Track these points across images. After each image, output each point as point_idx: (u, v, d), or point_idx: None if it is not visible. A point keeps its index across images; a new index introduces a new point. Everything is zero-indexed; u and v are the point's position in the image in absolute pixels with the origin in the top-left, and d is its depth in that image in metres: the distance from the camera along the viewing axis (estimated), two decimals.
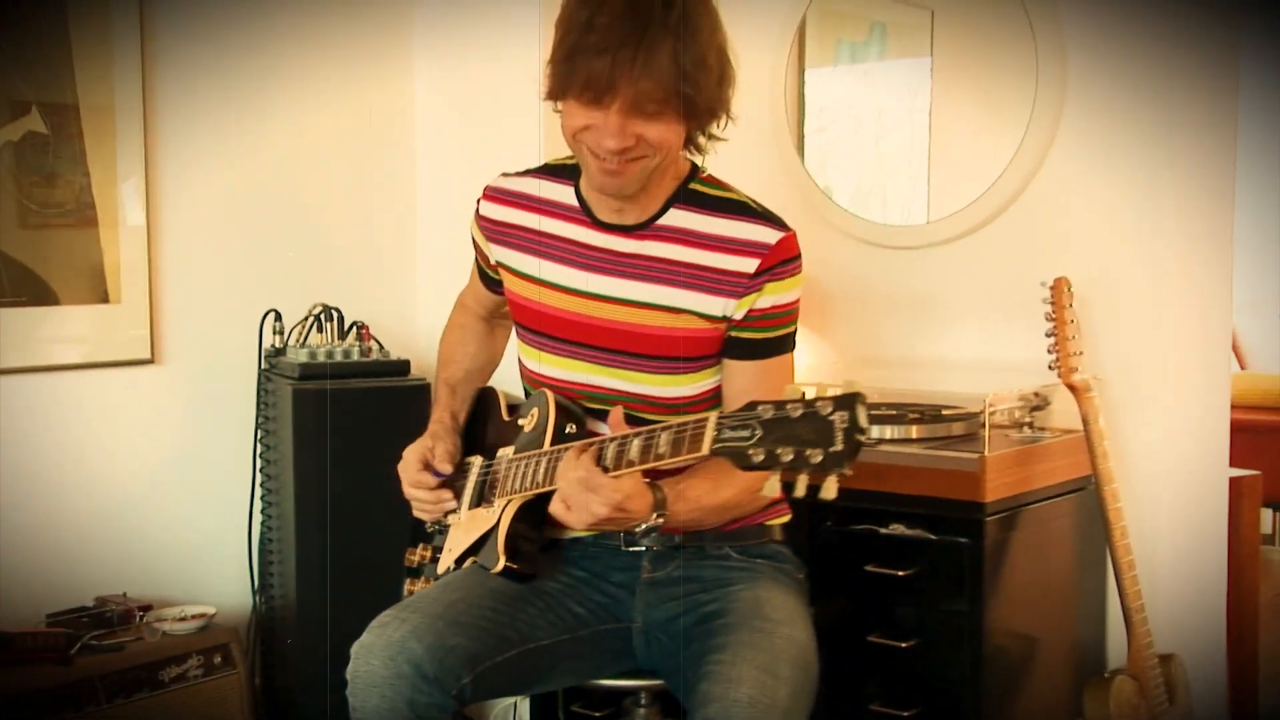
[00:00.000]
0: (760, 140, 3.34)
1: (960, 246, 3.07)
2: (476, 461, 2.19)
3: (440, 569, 2.17)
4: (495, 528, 2.05)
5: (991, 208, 3.00)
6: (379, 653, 1.91)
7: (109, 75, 2.94)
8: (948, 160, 3.19)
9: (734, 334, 2.03)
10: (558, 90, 1.89)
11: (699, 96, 1.86)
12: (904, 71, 3.29)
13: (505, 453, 2.12)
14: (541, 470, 1.98)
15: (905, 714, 2.54)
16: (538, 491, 1.99)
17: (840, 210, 3.24)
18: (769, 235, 2.01)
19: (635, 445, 1.80)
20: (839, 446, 1.55)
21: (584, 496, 1.81)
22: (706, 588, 2.07)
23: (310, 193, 3.35)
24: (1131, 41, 2.82)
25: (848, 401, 1.56)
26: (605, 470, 1.82)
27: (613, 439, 1.84)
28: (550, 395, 2.08)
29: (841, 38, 3.35)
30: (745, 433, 1.62)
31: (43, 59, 2.85)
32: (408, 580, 2.27)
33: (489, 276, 2.27)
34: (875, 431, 2.70)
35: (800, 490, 1.58)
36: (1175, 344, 2.86)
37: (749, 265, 1.99)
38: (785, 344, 2.07)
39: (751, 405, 1.63)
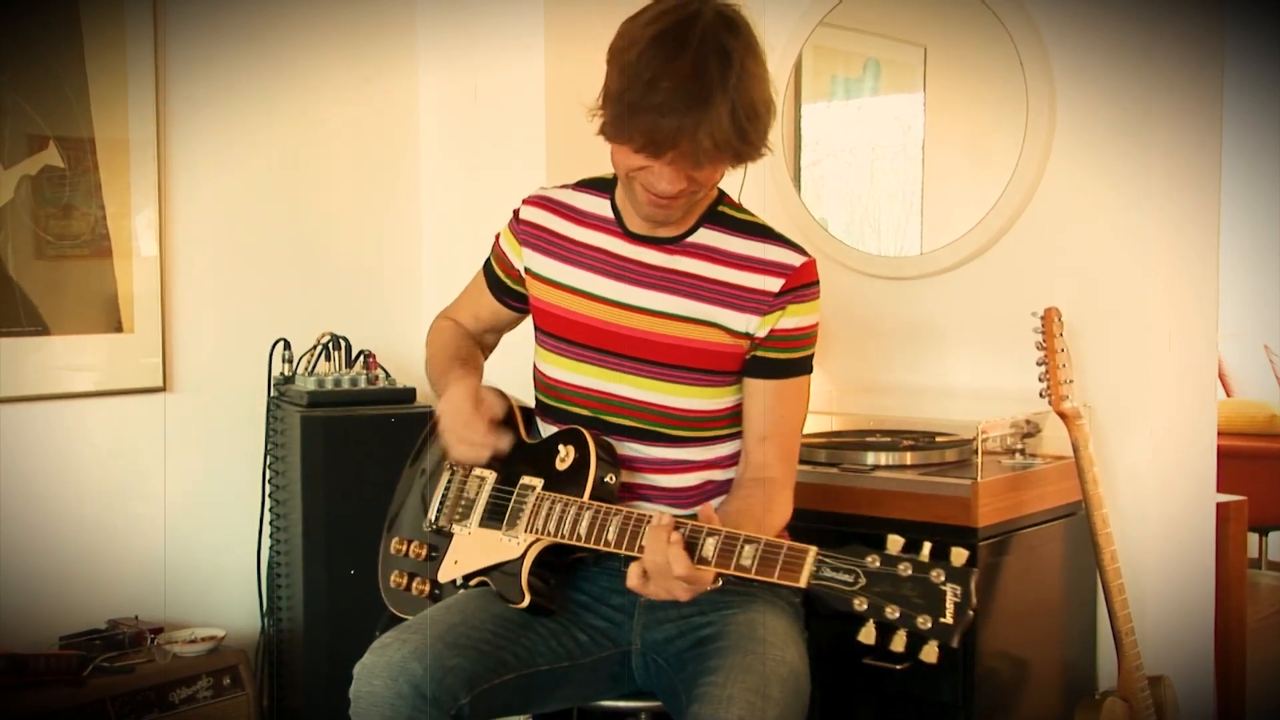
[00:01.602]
0: (758, 172, 3.35)
1: (953, 277, 3.08)
2: (489, 476, 2.18)
3: (443, 577, 2.14)
4: (520, 562, 2.04)
5: (983, 239, 3.01)
6: (380, 673, 1.92)
7: (124, 111, 2.96)
8: (940, 193, 3.21)
9: (757, 353, 2.07)
10: (615, 135, 1.92)
11: (751, 148, 1.91)
12: (897, 106, 3.32)
13: (533, 484, 2.09)
14: (584, 525, 1.96)
15: None
16: (575, 545, 1.99)
17: (835, 241, 3.25)
18: (793, 258, 2.06)
19: (722, 546, 1.80)
20: (949, 620, 1.56)
21: (670, 581, 1.81)
22: (703, 611, 2.08)
23: (318, 225, 3.36)
24: (1117, 78, 2.84)
25: (962, 575, 1.57)
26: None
27: (709, 533, 1.82)
28: (589, 439, 2.07)
29: (836, 73, 3.37)
30: (848, 577, 1.64)
31: (60, 95, 2.87)
32: (394, 572, 2.22)
33: (506, 286, 2.26)
34: (871, 458, 2.70)
35: (899, 646, 1.60)
36: (1163, 372, 2.87)
37: (774, 284, 2.04)
38: (804, 365, 2.10)
39: (858, 551, 1.65)
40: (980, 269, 3.04)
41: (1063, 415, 2.61)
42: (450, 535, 2.18)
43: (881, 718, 2.58)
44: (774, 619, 2.04)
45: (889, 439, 2.85)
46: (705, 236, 2.08)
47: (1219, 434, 3.10)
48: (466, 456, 2.11)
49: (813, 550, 1.71)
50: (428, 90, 3.51)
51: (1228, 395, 6.04)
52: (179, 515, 3.12)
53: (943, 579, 1.58)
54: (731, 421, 2.13)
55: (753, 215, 2.12)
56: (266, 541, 3.16)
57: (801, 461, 2.73)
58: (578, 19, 3.20)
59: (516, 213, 2.22)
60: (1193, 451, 3.01)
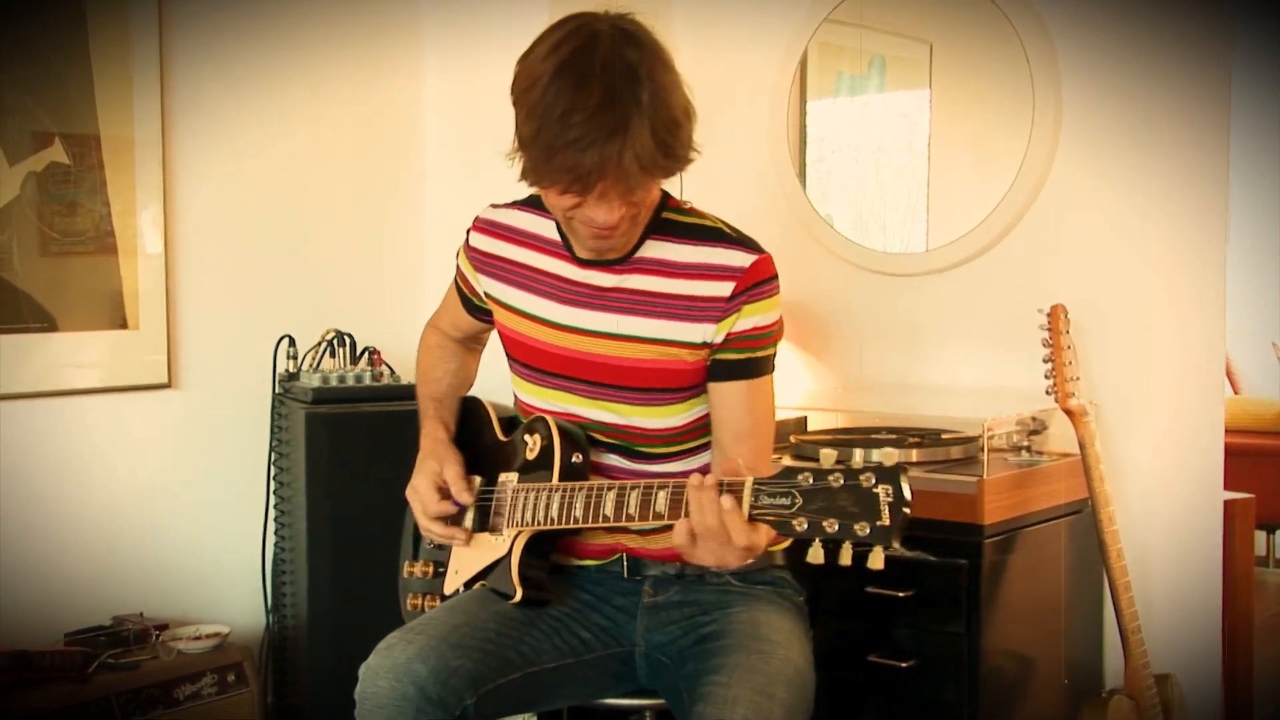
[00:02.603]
0: (763, 170, 3.35)
1: (959, 274, 3.07)
2: (475, 482, 2.17)
3: (448, 589, 2.16)
4: (507, 558, 2.04)
5: (989, 236, 3.00)
6: (385, 674, 1.91)
7: (129, 108, 2.96)
8: (946, 190, 3.19)
9: (717, 356, 2.00)
10: (538, 180, 1.85)
11: (676, 161, 1.84)
12: (903, 103, 3.30)
13: (509, 479, 2.09)
14: (556, 506, 1.95)
15: None
16: (552, 529, 1.98)
17: (841, 238, 3.24)
18: (742, 259, 1.97)
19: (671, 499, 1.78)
20: (885, 521, 1.54)
21: (724, 548, 1.74)
22: (706, 610, 2.06)
23: (322, 222, 3.35)
24: (1124, 74, 2.82)
25: (891, 474, 1.55)
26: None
27: (732, 485, 1.75)
28: (552, 423, 2.05)
29: (842, 70, 3.36)
30: (785, 500, 1.61)
31: (65, 92, 2.86)
32: (409, 595, 2.25)
33: (474, 305, 2.24)
34: (876, 455, 2.68)
35: (845, 559, 1.57)
36: (1169, 369, 2.86)
37: (724, 289, 1.96)
38: (767, 365, 2.03)
39: (789, 471, 1.62)
40: (986, 266, 3.03)
41: (1069, 412, 2.60)
42: (449, 548, 2.20)
43: (886, 716, 2.57)
44: (778, 618, 2.02)
45: (895, 436, 2.84)
46: (652, 249, 2.00)
47: (1226, 431, 3.09)
48: (440, 540, 2.16)
49: (749, 479, 1.67)
50: (432, 87, 3.50)
51: (1234, 392, 6.03)
52: (183, 512, 3.11)
53: (873, 481, 1.55)
54: (705, 432, 2.09)
55: (699, 215, 2.04)
56: (271, 538, 3.16)
57: (805, 458, 2.73)
58: (582, 7, 3.19)
59: (468, 239, 2.18)
60: (1199, 449, 2.99)
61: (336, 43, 3.35)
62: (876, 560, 1.55)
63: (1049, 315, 2.63)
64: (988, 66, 3.06)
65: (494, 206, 2.18)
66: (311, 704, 2.90)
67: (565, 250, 2.05)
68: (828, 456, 1.61)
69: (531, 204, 2.12)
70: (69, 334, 2.90)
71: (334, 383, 2.94)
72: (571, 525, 1.94)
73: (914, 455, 2.68)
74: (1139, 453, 2.83)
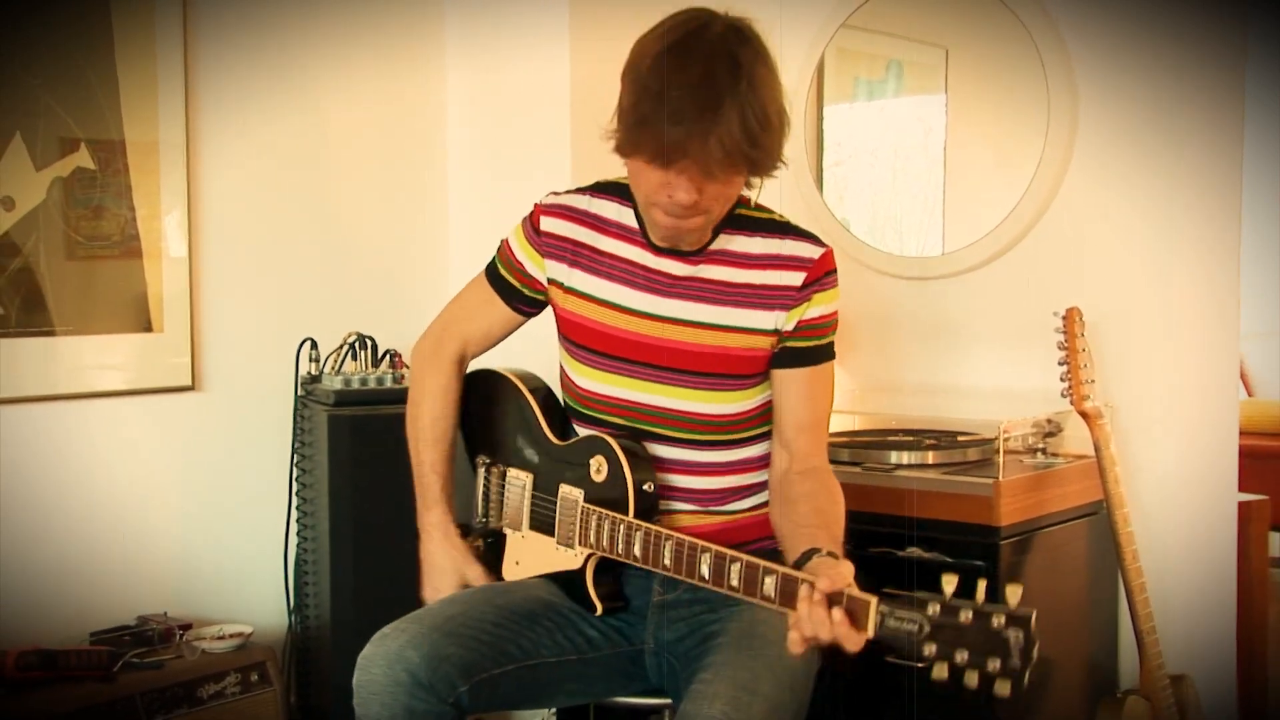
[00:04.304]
0: (780, 173, 3.33)
1: (975, 277, 3.06)
2: (525, 479, 2.19)
3: (507, 576, 2.22)
4: (582, 573, 2.08)
5: (1005, 240, 2.99)
6: (378, 662, 1.94)
7: (154, 114, 2.96)
8: (962, 193, 3.18)
9: (787, 344, 2.07)
10: (628, 149, 1.90)
11: (764, 157, 1.88)
12: (919, 107, 3.29)
13: (572, 494, 2.09)
14: (637, 547, 1.97)
15: None
16: (634, 564, 2.01)
17: (858, 241, 3.23)
18: (811, 250, 2.06)
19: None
20: (1016, 663, 1.58)
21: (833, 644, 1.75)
22: (713, 608, 2.07)
23: (345, 226, 3.35)
24: (1139, 78, 2.82)
25: (1022, 620, 1.59)
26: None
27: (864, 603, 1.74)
28: (618, 450, 2.05)
29: (859, 75, 3.35)
30: (912, 626, 1.65)
31: (92, 98, 2.87)
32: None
33: (523, 295, 2.21)
34: (893, 457, 2.68)
35: (971, 683, 1.62)
36: (1184, 372, 2.84)
37: (796, 279, 2.04)
38: (830, 351, 2.11)
39: (918, 602, 1.65)
40: (1002, 269, 3.02)
41: (1084, 415, 2.59)
42: (502, 534, 2.23)
43: (904, 717, 2.55)
44: (777, 618, 2.01)
45: (911, 438, 2.83)
46: (724, 242, 2.06)
47: (1241, 434, 3.06)
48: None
49: (872, 601, 1.68)
50: (456, 91, 3.50)
51: (1248, 395, 6.00)
52: (207, 513, 3.11)
53: (1003, 624, 1.59)
54: (761, 421, 2.13)
55: (768, 211, 2.11)
56: (294, 539, 3.16)
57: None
58: (603, 19, 3.19)
59: (535, 223, 2.17)
60: (1214, 451, 2.97)
61: (359, 47, 3.35)
62: (1004, 689, 1.60)
63: (1064, 318, 2.62)
64: (1003, 71, 3.06)
65: (559, 193, 2.19)
66: (333, 702, 2.89)
67: (642, 238, 2.09)
68: (949, 582, 1.65)
69: (604, 190, 2.15)
70: (95, 337, 2.90)
71: (356, 385, 2.94)
72: (660, 570, 1.94)
73: (930, 457, 2.67)
74: (1154, 455, 2.82)
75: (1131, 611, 2.58)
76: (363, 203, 3.39)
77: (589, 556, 2.07)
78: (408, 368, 3.05)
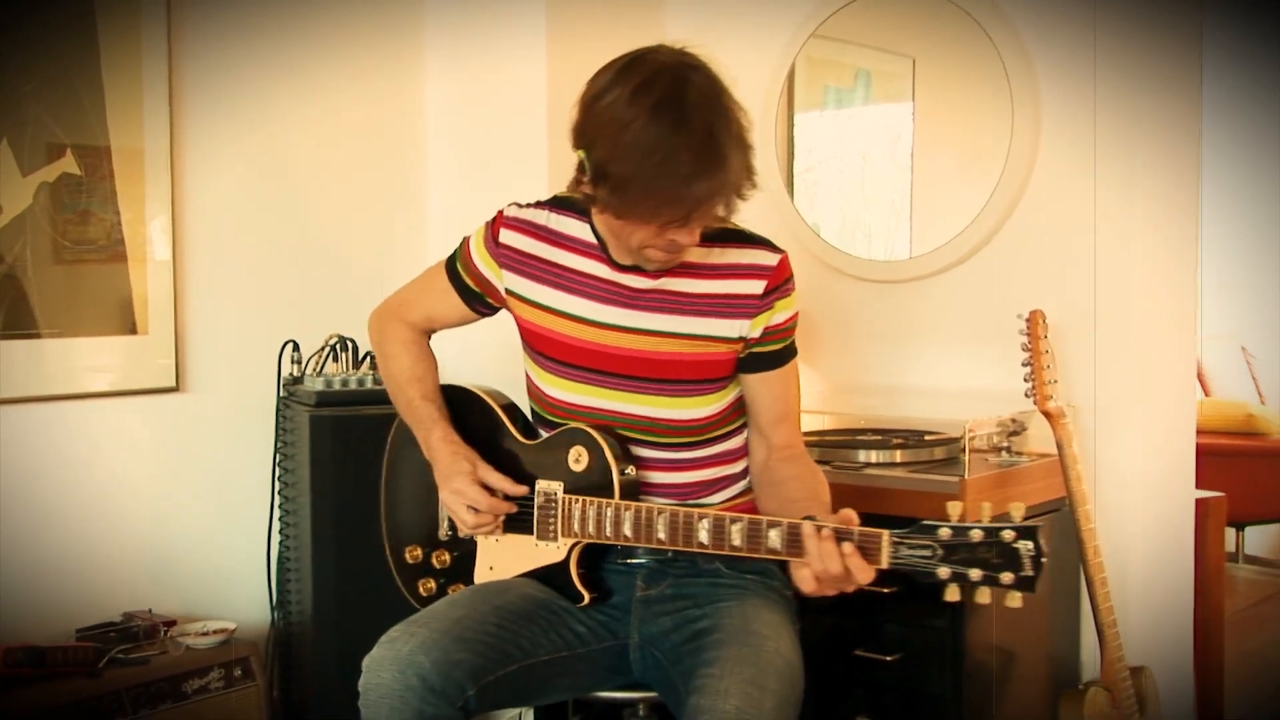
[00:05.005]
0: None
1: (941, 281, 3.08)
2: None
3: (479, 581, 2.21)
4: (565, 564, 2.09)
5: (970, 244, 3.01)
6: (389, 666, 1.93)
7: (139, 121, 2.97)
8: (929, 199, 3.21)
9: (754, 350, 2.10)
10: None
11: (750, 184, 1.91)
12: (887, 116, 3.32)
13: (550, 487, 2.10)
14: (628, 525, 1.99)
15: None
16: (620, 544, 2.04)
17: (827, 246, 3.25)
18: (769, 258, 2.09)
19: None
20: (1029, 572, 1.69)
21: (846, 584, 1.83)
22: (698, 603, 2.08)
23: (326, 230, 3.36)
24: (1100, 89, 2.84)
25: (1030, 531, 1.69)
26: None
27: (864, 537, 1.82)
28: (598, 437, 2.08)
29: (828, 84, 3.38)
30: (926, 552, 1.74)
31: (78, 105, 2.87)
32: (422, 581, 2.28)
33: (481, 299, 2.23)
34: (862, 456, 2.71)
35: (984, 599, 1.72)
36: (1144, 373, 2.87)
37: (758, 287, 2.07)
38: (793, 349, 2.16)
39: (925, 527, 1.75)
40: (967, 273, 3.05)
41: (1047, 414, 2.62)
42: (471, 543, 2.23)
43: (873, 708, 2.58)
44: (767, 612, 2.04)
45: (879, 437, 2.85)
46: (687, 254, 2.04)
47: (1198, 433, 3.11)
48: (480, 534, 2.19)
49: (885, 534, 1.78)
50: (434, 98, 3.51)
51: (1206, 395, 6.06)
52: (191, 512, 3.12)
53: (1014, 537, 1.69)
54: (736, 416, 2.16)
55: (727, 221, 2.07)
56: (276, 537, 3.16)
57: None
58: (579, 28, 3.21)
59: (495, 234, 2.17)
60: (1173, 449, 3.01)
61: (339, 53, 3.35)
62: (1015, 600, 1.70)
63: (1028, 320, 2.65)
64: (969, 80, 3.08)
65: (521, 205, 2.18)
66: (315, 697, 2.90)
67: (602, 253, 2.09)
68: (954, 509, 1.75)
69: (561, 205, 2.15)
70: (81, 339, 2.91)
71: (337, 386, 2.95)
72: (654, 545, 1.98)
73: (898, 456, 2.70)
74: (1115, 453, 2.85)
75: (1093, 605, 2.61)
76: (344, 208, 3.40)
77: (573, 547, 2.08)
78: None
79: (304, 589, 2.96)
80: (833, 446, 2.76)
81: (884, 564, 1.77)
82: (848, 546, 1.79)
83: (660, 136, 1.81)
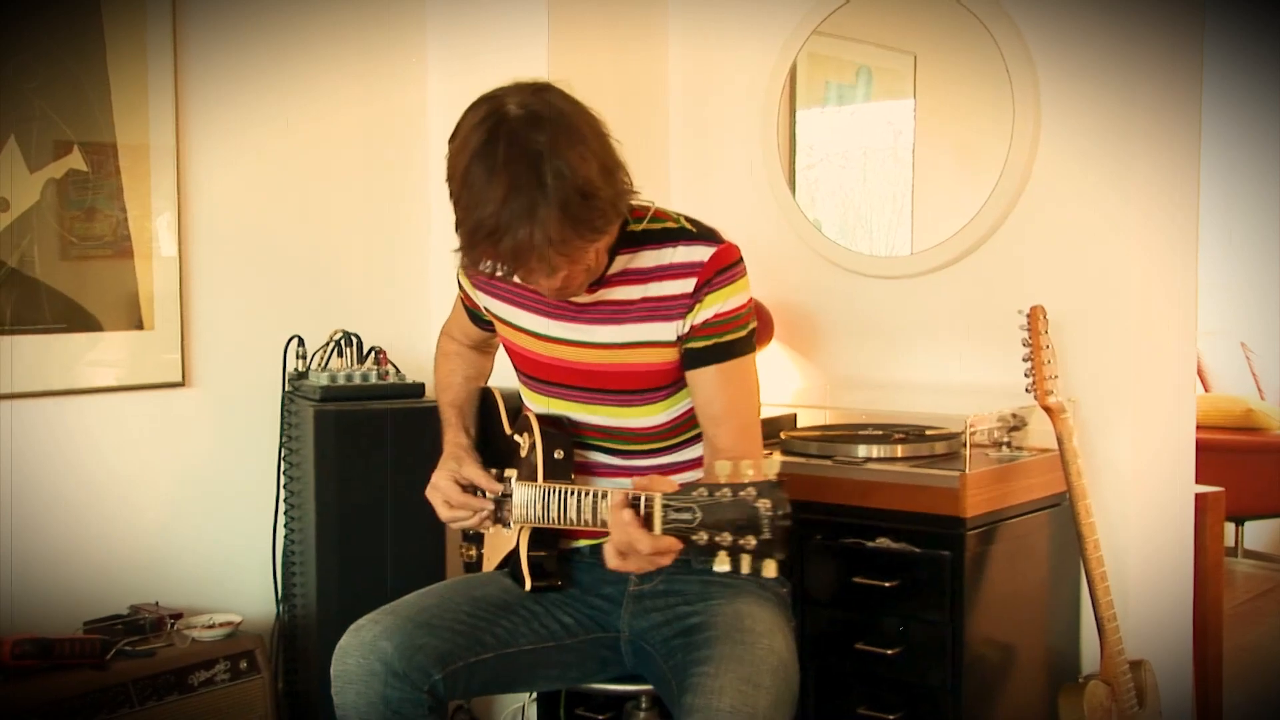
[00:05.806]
0: (754, 176, 3.35)
1: (942, 277, 3.08)
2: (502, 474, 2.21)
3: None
4: (516, 550, 2.09)
5: (971, 240, 3.00)
6: (354, 652, 1.97)
7: (145, 117, 2.96)
8: (930, 195, 3.20)
9: (688, 345, 2.03)
10: (468, 263, 1.89)
11: (601, 217, 1.82)
12: (888, 112, 3.30)
13: (509, 474, 2.14)
14: (554, 507, 1.99)
15: (890, 717, 2.54)
16: (551, 528, 2.04)
17: (829, 242, 3.25)
18: (701, 253, 1.99)
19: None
20: (767, 535, 1.56)
21: (642, 558, 1.77)
22: (689, 601, 2.07)
23: (330, 226, 3.36)
24: (1101, 85, 2.83)
25: (770, 488, 1.56)
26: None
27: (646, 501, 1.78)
28: (534, 421, 2.10)
29: (830, 80, 3.36)
30: (687, 515, 1.64)
31: (84, 102, 2.86)
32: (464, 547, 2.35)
33: (479, 317, 2.29)
34: (863, 451, 2.70)
35: (745, 569, 1.59)
36: (1144, 368, 2.87)
37: (688, 285, 1.99)
38: (737, 348, 2.03)
39: (691, 486, 1.66)
40: (968, 268, 3.04)
41: (1048, 410, 2.61)
42: (481, 536, 2.28)
43: (873, 701, 2.58)
44: (759, 609, 2.03)
45: (880, 432, 2.84)
46: (623, 262, 2.02)
47: (1197, 428, 3.10)
48: (467, 527, 2.21)
49: (658, 495, 1.69)
50: (437, 95, 3.50)
51: (1205, 390, 6.05)
52: (197, 505, 3.12)
53: (754, 496, 1.57)
54: (694, 424, 2.12)
55: (663, 218, 2.04)
56: (281, 531, 3.16)
57: (795, 454, 2.74)
58: (581, 25, 3.20)
59: None
60: (1172, 444, 3.01)
61: (344, 53, 3.34)
62: (770, 570, 1.57)
63: (1028, 316, 2.64)
64: (969, 76, 3.07)
65: None
66: (320, 689, 2.89)
67: None
68: (722, 468, 1.62)
69: None
70: (88, 334, 2.90)
71: (341, 381, 2.95)
72: (565, 525, 1.99)
73: (899, 451, 2.69)
74: (1115, 448, 2.84)
75: (1093, 599, 2.60)
76: (348, 205, 3.39)
77: (519, 531, 2.09)
78: (392, 364, 3.07)
79: (309, 581, 2.95)
80: (834, 441, 2.76)
81: (657, 529, 1.68)
82: (627, 514, 1.72)
83: (472, 189, 1.79)
